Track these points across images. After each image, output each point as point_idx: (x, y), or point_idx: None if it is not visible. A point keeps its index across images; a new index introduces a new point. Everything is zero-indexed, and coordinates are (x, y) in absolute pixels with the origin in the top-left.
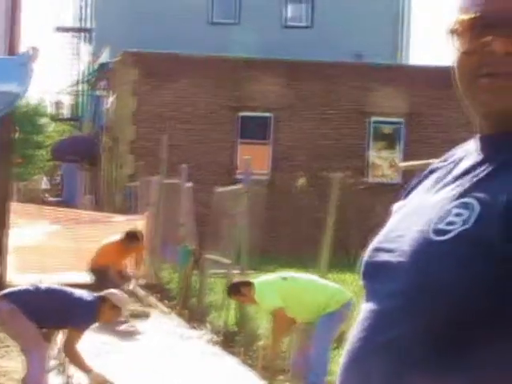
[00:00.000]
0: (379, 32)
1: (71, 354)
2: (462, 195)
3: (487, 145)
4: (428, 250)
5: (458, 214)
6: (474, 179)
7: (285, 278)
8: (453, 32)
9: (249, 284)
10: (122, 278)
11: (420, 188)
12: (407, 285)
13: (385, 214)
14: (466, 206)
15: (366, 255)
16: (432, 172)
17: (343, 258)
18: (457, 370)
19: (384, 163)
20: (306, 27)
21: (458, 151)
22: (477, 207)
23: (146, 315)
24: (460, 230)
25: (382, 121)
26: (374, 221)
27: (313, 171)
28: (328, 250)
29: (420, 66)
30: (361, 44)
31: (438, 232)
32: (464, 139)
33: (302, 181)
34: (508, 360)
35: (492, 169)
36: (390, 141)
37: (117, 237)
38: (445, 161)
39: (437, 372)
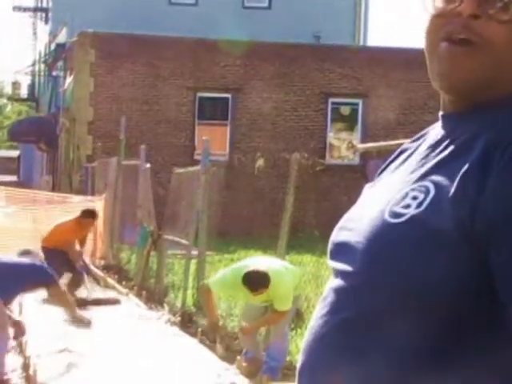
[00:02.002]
0: (338, 13)
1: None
2: (420, 177)
3: (449, 124)
4: (382, 232)
5: (414, 197)
6: (435, 160)
7: (286, 268)
8: None
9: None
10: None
11: (389, 168)
12: (362, 264)
13: (343, 195)
14: (422, 188)
15: (332, 234)
16: (402, 152)
17: (301, 239)
18: (409, 348)
19: (342, 144)
20: (265, 8)
21: (430, 131)
22: (432, 191)
23: (116, 301)
24: (413, 213)
25: (340, 102)
26: (332, 202)
27: (271, 152)
28: (286, 231)
29: (378, 48)
30: (319, 25)
31: (394, 214)
32: (422, 120)
33: (260, 162)
34: (463, 340)
35: (452, 149)
36: (348, 122)
37: (70, 217)
38: (415, 141)
39: (390, 351)
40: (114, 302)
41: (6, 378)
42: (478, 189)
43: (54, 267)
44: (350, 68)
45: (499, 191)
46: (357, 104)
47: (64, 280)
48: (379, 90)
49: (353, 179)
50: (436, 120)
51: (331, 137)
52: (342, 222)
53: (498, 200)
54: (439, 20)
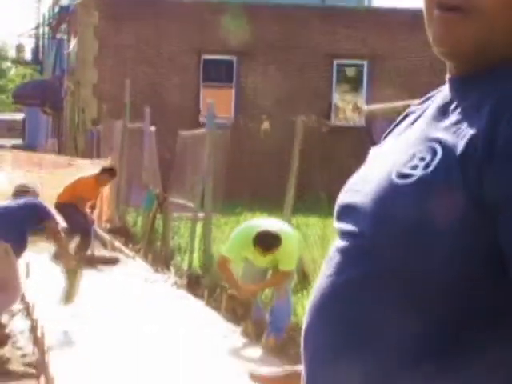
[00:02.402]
0: None
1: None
2: (428, 139)
3: (456, 87)
4: (389, 193)
5: (421, 158)
6: (442, 123)
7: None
8: None
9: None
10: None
11: (395, 131)
12: (367, 225)
13: (349, 157)
14: (429, 150)
15: (339, 197)
16: (409, 114)
17: (307, 201)
18: (413, 311)
19: (348, 106)
20: None
21: (436, 93)
22: (439, 152)
23: (114, 261)
24: (420, 174)
25: (345, 64)
26: (338, 163)
27: (277, 115)
28: (292, 193)
29: (384, 9)
30: None
31: (401, 175)
32: (427, 82)
33: (266, 124)
34: (463, 308)
35: (459, 112)
36: (353, 84)
37: (87, 174)
38: (422, 103)
39: (392, 312)
40: (114, 261)
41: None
42: (485, 151)
43: (68, 222)
44: (355, 29)
45: (507, 154)
46: (362, 65)
47: (72, 243)
48: (384, 52)
49: (358, 141)
50: (442, 82)
51: (336, 98)
52: (348, 185)
53: (507, 163)
54: None
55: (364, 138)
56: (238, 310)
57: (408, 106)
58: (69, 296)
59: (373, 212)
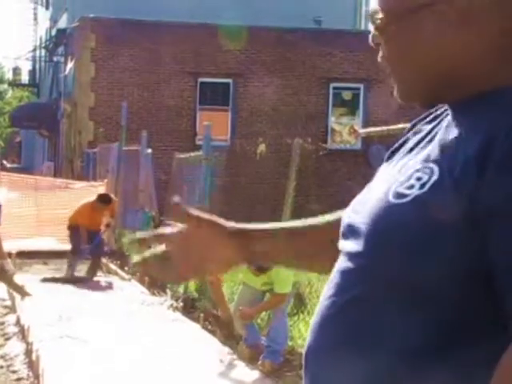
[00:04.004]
0: None
1: None
2: (426, 159)
3: (453, 112)
4: (386, 213)
5: (418, 178)
6: (441, 143)
7: None
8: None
9: None
10: (88, 237)
11: (401, 150)
12: (366, 245)
13: (345, 180)
14: (426, 170)
15: (343, 216)
16: (416, 132)
17: None
18: (413, 329)
19: (344, 129)
20: None
21: (441, 112)
22: (436, 172)
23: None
24: (416, 194)
25: (341, 87)
26: (334, 186)
27: (273, 137)
28: (288, 216)
29: None
30: (320, 10)
31: (397, 195)
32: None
33: (262, 147)
34: (465, 318)
35: (457, 133)
36: (349, 107)
37: (91, 199)
38: (430, 122)
39: (394, 331)
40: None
41: None
42: (479, 173)
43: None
44: (351, 53)
45: (500, 177)
46: (358, 89)
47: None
48: (381, 75)
49: (355, 164)
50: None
51: (333, 122)
52: (351, 205)
53: (499, 185)
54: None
55: (361, 160)
56: (221, 330)
57: (404, 129)
58: (19, 294)
59: (371, 232)
